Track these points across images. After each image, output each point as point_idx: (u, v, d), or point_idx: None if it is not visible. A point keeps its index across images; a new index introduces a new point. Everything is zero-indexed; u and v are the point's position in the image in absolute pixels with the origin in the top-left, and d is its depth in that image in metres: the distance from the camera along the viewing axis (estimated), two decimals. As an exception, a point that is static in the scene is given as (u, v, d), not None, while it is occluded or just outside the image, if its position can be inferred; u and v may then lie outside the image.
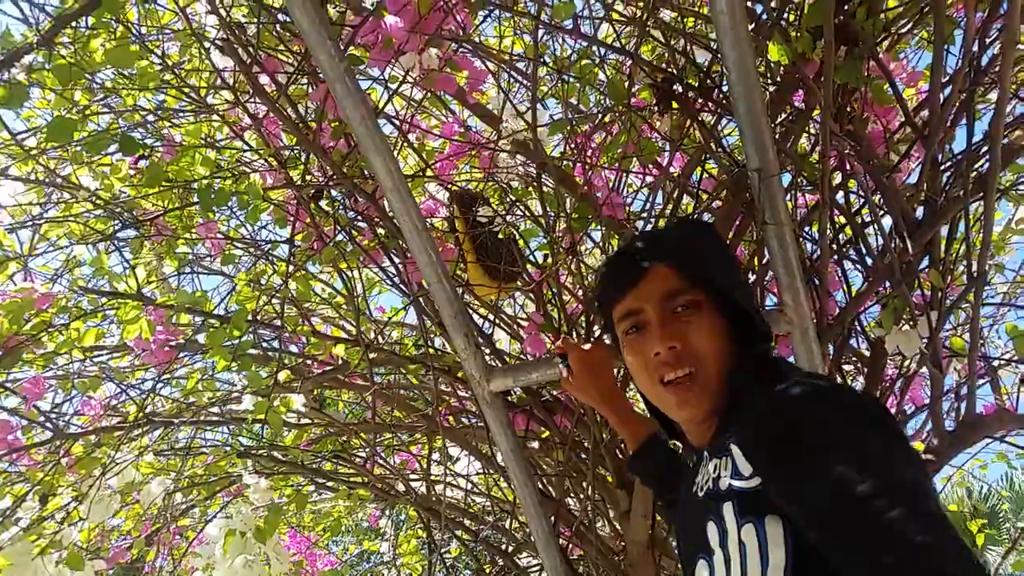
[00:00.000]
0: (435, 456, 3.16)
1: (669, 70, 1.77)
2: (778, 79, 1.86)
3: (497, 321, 2.59)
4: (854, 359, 2.45)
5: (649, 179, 2.32)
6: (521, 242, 2.53)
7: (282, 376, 2.22)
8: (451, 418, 2.88)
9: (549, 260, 2.35)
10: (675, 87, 1.72)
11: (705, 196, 2.17)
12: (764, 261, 2.07)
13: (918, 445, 2.72)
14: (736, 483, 1.02)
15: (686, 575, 1.16)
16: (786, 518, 0.94)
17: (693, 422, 1.17)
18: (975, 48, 1.83)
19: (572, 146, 2.22)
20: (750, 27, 1.67)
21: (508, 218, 2.34)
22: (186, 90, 1.92)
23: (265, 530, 1.88)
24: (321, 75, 2.15)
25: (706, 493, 1.09)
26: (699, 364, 1.11)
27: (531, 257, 2.58)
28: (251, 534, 1.87)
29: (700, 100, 1.77)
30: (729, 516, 1.04)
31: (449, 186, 2.44)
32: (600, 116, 2.04)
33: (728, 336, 1.14)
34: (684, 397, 1.12)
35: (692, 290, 1.14)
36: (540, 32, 1.98)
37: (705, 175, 2.07)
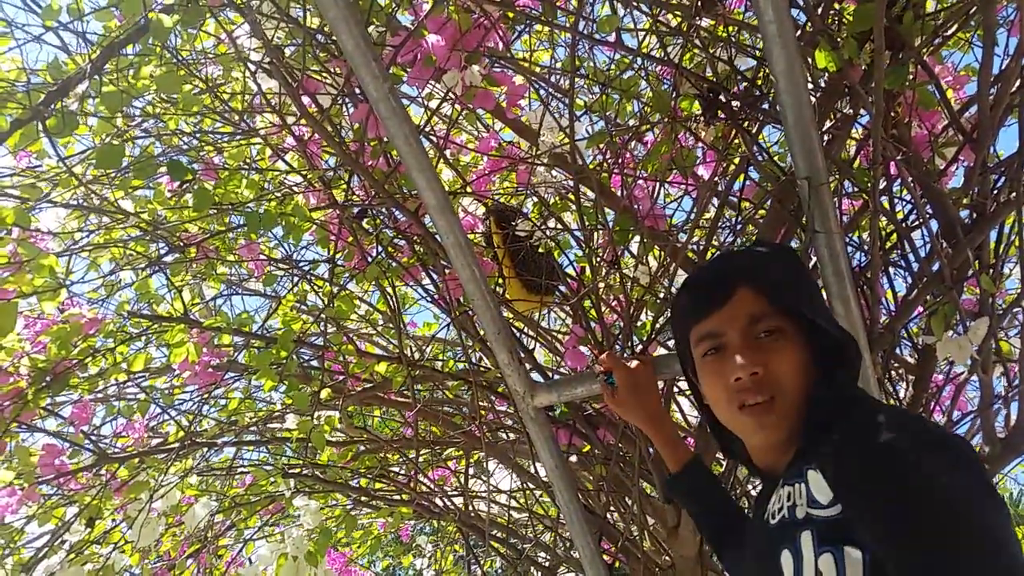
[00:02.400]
0: (472, 471, 3.15)
1: (714, 80, 1.76)
2: (823, 85, 1.84)
3: (536, 336, 2.58)
4: (898, 367, 2.42)
5: (689, 190, 2.30)
6: (558, 255, 2.52)
7: (323, 394, 2.22)
8: (488, 434, 2.86)
9: (588, 273, 2.34)
10: (720, 96, 1.70)
11: (746, 205, 2.15)
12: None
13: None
14: (815, 512, 1.01)
15: None
16: (864, 548, 0.92)
17: (769, 448, 1.15)
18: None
19: (610, 157, 2.21)
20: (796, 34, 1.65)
21: (546, 232, 2.33)
22: (228, 113, 1.93)
23: (315, 553, 1.87)
24: (362, 96, 2.16)
25: (779, 521, 1.08)
26: (779, 391, 1.10)
27: (569, 270, 2.57)
28: (303, 558, 1.87)
29: (746, 109, 1.75)
30: (807, 545, 1.03)
31: (485, 201, 2.43)
32: (640, 126, 2.03)
33: (810, 364, 1.13)
34: (762, 422, 1.11)
35: (776, 316, 1.12)
36: (579, 44, 1.98)
37: (748, 183, 2.05)
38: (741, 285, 1.15)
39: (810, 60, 1.77)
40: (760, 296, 1.14)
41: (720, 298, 1.16)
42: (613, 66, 1.99)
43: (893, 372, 2.53)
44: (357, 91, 2.01)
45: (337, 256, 2.18)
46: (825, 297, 1.62)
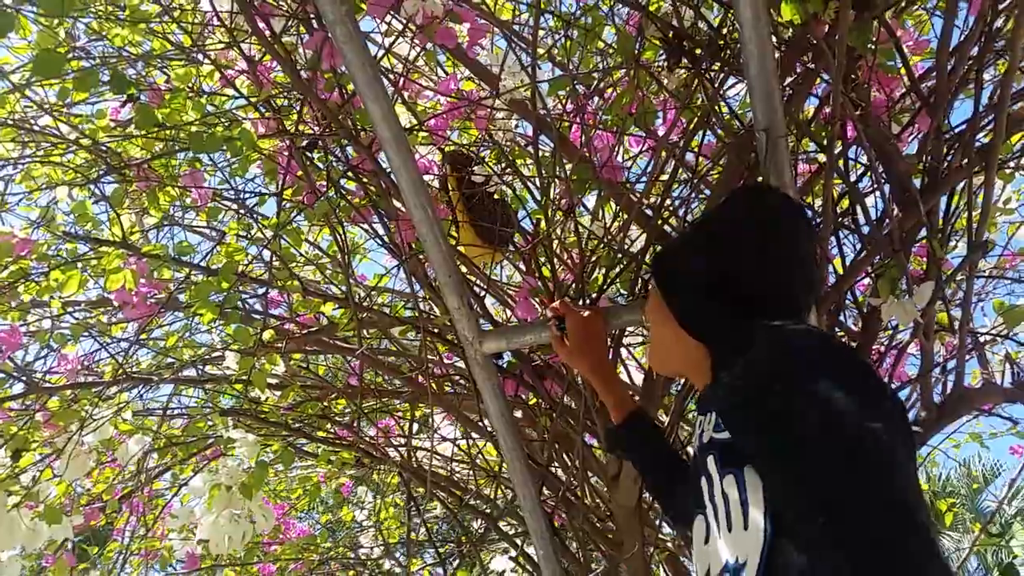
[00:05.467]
0: (416, 425, 3.13)
1: (680, 26, 1.74)
2: (786, 40, 1.83)
3: (486, 288, 2.56)
4: (842, 335, 2.46)
5: (647, 144, 2.29)
6: (515, 204, 2.49)
7: (266, 335, 2.17)
8: (434, 384, 2.84)
9: (543, 224, 2.32)
10: (685, 44, 1.68)
11: (703, 162, 2.15)
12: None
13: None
14: (716, 435, 1.08)
15: (690, 532, 1.17)
16: None
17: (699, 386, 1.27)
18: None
19: (572, 107, 2.18)
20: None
21: (503, 179, 2.30)
22: (176, 31, 1.85)
23: (251, 485, 1.83)
24: (316, 22, 2.09)
25: (696, 448, 1.16)
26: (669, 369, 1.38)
27: (525, 222, 2.54)
28: (237, 489, 1.83)
29: (710, 58, 1.74)
30: (712, 468, 1.09)
31: (442, 146, 2.39)
32: (604, 73, 2.00)
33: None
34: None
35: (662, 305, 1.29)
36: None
37: (707, 140, 2.05)
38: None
39: (775, 12, 1.76)
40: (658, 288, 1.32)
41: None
42: (579, 8, 1.96)
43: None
44: (312, 17, 1.94)
45: (286, 193, 2.11)
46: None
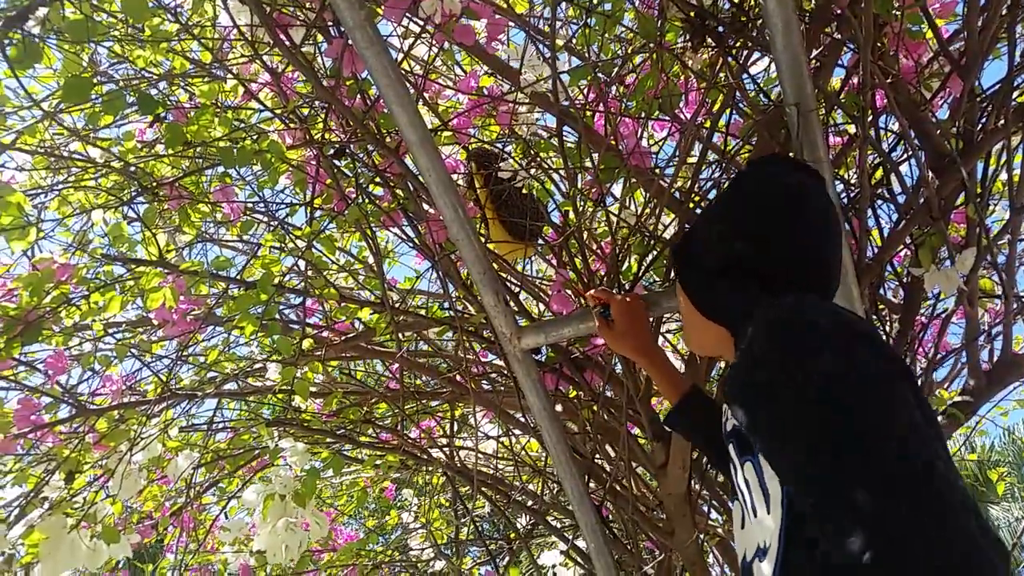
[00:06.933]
0: (458, 423, 3.13)
1: (700, 5, 1.72)
2: (810, 12, 1.80)
3: (520, 283, 2.55)
4: (883, 309, 2.42)
5: (673, 128, 2.26)
6: (542, 197, 2.48)
7: (305, 344, 2.18)
8: (473, 383, 2.85)
9: (571, 216, 2.31)
10: (707, 22, 1.66)
11: (731, 142, 2.12)
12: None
13: (944, 394, 2.70)
14: (734, 422, 1.08)
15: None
16: None
17: None
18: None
19: (594, 96, 2.16)
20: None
21: (529, 172, 2.29)
22: (196, 48, 1.86)
23: (304, 493, 1.85)
24: (335, 29, 2.09)
25: (724, 435, 1.15)
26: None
27: (553, 216, 2.53)
28: (290, 497, 1.84)
29: (733, 35, 1.71)
30: (734, 455, 1.10)
31: (467, 145, 2.38)
32: (624, 59, 1.98)
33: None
34: None
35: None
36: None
37: (734, 118, 2.02)
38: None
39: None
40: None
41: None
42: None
43: (879, 312, 2.53)
44: (331, 24, 1.94)
45: (316, 200, 2.12)
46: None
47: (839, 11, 1.68)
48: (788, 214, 1.15)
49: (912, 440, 0.78)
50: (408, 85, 2.23)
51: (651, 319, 2.07)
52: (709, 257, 1.20)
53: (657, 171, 2.19)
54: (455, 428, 2.99)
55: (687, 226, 1.80)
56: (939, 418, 2.31)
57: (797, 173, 1.21)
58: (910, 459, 0.76)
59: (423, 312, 2.60)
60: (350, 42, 1.75)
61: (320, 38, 2.10)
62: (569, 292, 2.28)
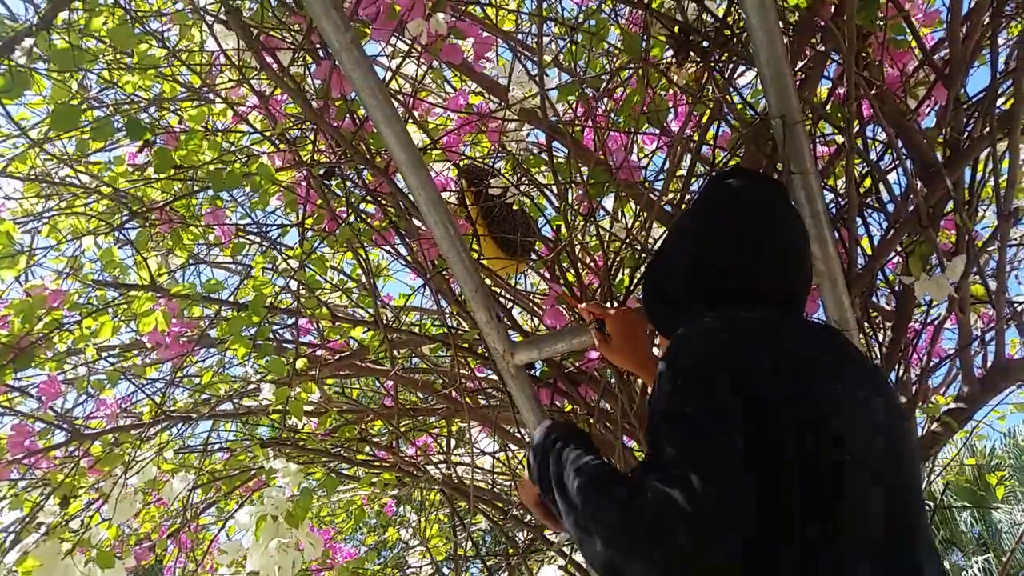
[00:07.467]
0: (454, 439, 3.13)
1: (684, 20, 1.73)
2: (793, 25, 1.81)
3: (512, 298, 2.56)
4: (875, 316, 2.42)
5: (662, 142, 2.27)
6: (533, 213, 2.49)
7: (299, 364, 2.18)
8: (468, 398, 2.84)
9: (563, 231, 2.31)
10: (691, 37, 1.67)
11: (720, 155, 2.13)
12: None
13: (940, 400, 2.70)
14: None
15: None
16: None
17: None
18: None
19: (582, 111, 2.17)
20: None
21: (520, 188, 2.29)
22: (185, 72, 1.87)
23: (297, 514, 1.84)
24: (323, 51, 2.10)
25: None
26: None
27: (544, 229, 2.54)
28: (283, 518, 1.84)
29: (718, 50, 1.72)
30: None
31: (457, 162, 2.39)
32: (612, 74, 1.99)
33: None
34: None
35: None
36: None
37: (722, 130, 2.03)
38: None
39: (782, -1, 1.75)
40: None
41: None
42: (581, 13, 1.95)
43: (871, 320, 2.54)
44: (318, 47, 1.95)
45: (307, 220, 2.13)
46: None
47: (823, 23, 1.69)
48: (725, 225, 1.21)
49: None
50: (396, 104, 2.25)
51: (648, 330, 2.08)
52: (649, 276, 1.33)
53: (647, 184, 2.20)
54: (451, 444, 2.98)
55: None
56: (934, 425, 2.31)
57: (724, 182, 1.29)
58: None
59: (417, 329, 2.60)
60: (337, 64, 1.76)
61: (309, 60, 2.11)
62: (563, 307, 2.29)
